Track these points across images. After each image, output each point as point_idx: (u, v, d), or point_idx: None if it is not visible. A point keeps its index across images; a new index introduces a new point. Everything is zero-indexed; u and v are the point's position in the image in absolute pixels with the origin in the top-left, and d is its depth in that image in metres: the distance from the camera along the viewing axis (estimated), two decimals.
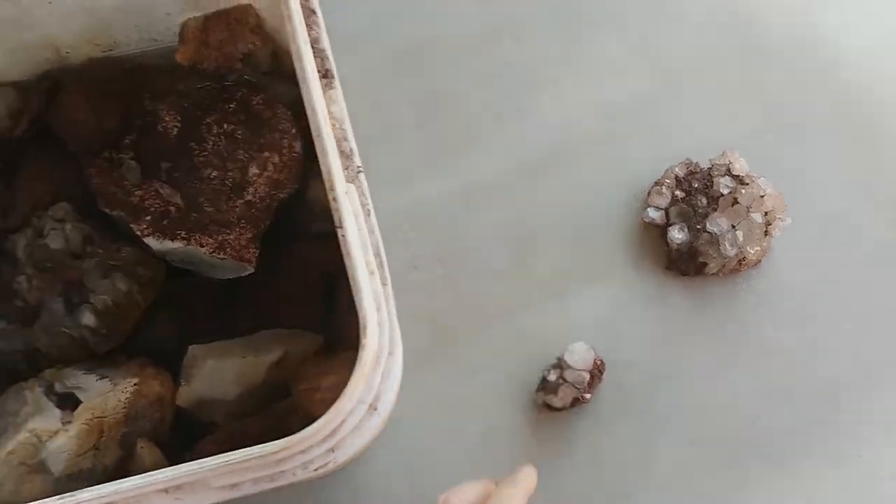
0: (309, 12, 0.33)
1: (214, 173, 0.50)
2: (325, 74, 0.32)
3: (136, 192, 0.49)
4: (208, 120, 0.51)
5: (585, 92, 0.62)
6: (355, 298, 0.29)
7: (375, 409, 0.28)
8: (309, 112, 0.31)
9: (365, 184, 0.31)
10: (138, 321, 0.48)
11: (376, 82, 0.62)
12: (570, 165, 0.61)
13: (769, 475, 0.54)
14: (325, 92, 0.32)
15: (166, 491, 0.27)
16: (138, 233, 0.48)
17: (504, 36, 0.64)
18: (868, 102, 0.63)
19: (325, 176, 0.30)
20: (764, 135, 0.61)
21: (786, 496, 0.54)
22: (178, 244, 0.48)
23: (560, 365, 0.53)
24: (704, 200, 0.56)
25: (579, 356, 0.53)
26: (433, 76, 0.63)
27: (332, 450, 0.28)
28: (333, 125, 0.32)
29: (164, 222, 0.49)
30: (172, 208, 0.49)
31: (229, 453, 0.26)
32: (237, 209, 0.49)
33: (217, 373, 0.46)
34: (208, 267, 0.49)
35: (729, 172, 0.56)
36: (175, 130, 0.51)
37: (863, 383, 0.56)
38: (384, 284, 0.29)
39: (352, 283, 0.29)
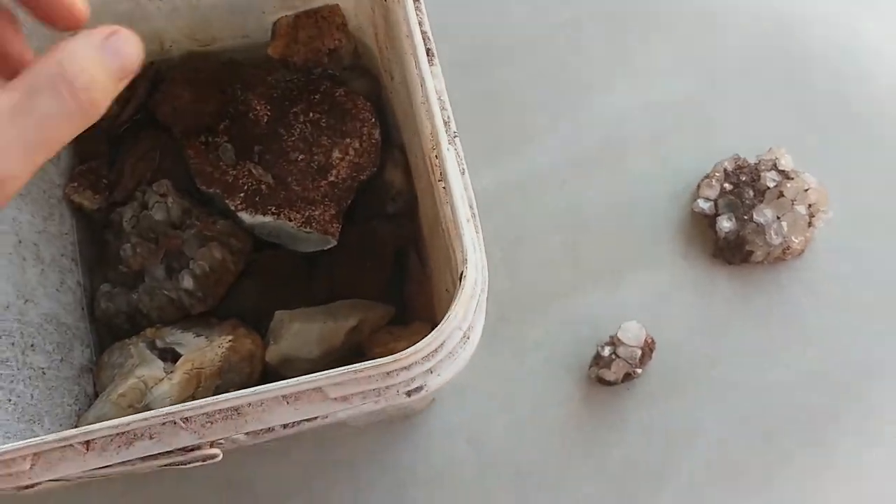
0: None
1: (301, 156, 0.55)
2: (428, 53, 0.37)
3: (231, 172, 0.55)
4: (295, 109, 0.56)
5: (637, 92, 0.67)
6: (455, 238, 0.33)
7: (468, 339, 0.32)
8: (417, 80, 0.36)
9: (460, 147, 0.35)
10: (229, 287, 0.53)
11: None
12: (621, 160, 0.65)
13: (807, 453, 0.57)
14: (430, 68, 0.37)
15: (287, 401, 0.32)
16: (233, 207, 0.53)
17: (559, 39, 0.68)
18: None
19: (428, 136, 0.35)
20: (807, 133, 0.65)
21: (821, 472, 0.57)
22: (268, 218, 0.53)
23: (613, 342, 0.57)
24: (751, 193, 0.60)
25: (632, 333, 0.57)
26: (492, 77, 0.68)
27: (430, 371, 0.32)
28: (439, 96, 0.36)
29: (256, 199, 0.54)
30: (264, 186, 0.54)
31: (348, 366, 0.31)
32: (322, 188, 0.54)
33: (302, 334, 0.51)
34: (294, 240, 0.54)
35: (775, 167, 0.60)
36: (265, 118, 0.56)
37: None
38: (477, 232, 0.33)
39: (451, 226, 0.33)
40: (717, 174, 0.61)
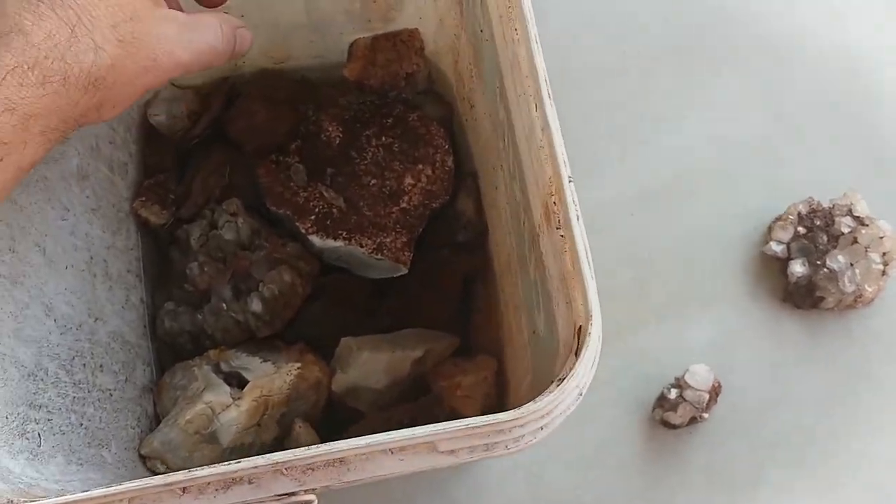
0: (534, 39, 0.36)
1: (373, 181, 0.54)
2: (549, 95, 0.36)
3: (302, 194, 0.54)
4: (367, 132, 0.56)
5: (706, 127, 0.66)
6: (576, 290, 0.32)
7: (581, 395, 0.31)
8: (537, 124, 0.35)
9: (575, 192, 0.34)
10: (298, 310, 0.52)
11: None
12: (690, 195, 0.64)
13: (868, 499, 0.56)
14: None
15: (392, 451, 0.31)
16: (303, 230, 0.52)
17: (631, 71, 0.67)
18: None
19: (547, 181, 0.34)
20: (881, 177, 0.63)
21: None
22: (339, 243, 0.52)
23: (680, 384, 0.56)
24: (825, 238, 0.58)
25: (700, 377, 0.56)
26: (560, 105, 0.66)
27: (541, 428, 0.31)
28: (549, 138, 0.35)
29: (328, 222, 0.53)
30: (335, 210, 0.53)
31: (468, 419, 0.30)
32: (393, 215, 0.53)
33: (371, 363, 0.50)
34: (363, 266, 0.53)
35: (850, 213, 0.59)
36: (337, 140, 0.55)
37: None
38: (593, 280, 0.32)
39: (570, 276, 0.32)
40: (790, 217, 0.59)
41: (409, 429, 0.30)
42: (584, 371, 0.30)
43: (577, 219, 0.33)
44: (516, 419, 0.29)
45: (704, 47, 0.69)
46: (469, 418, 0.30)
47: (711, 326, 0.60)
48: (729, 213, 0.63)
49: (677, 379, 0.56)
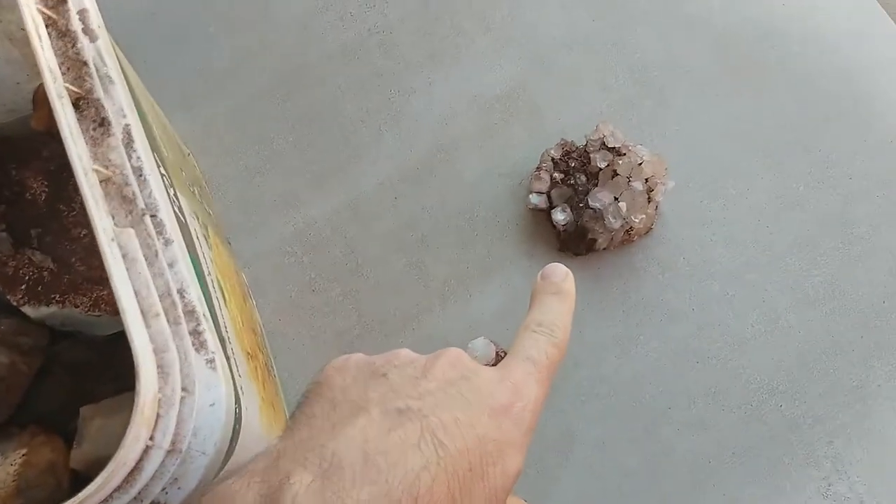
0: (81, 64, 0.33)
1: (84, 231, 0.50)
2: (102, 123, 0.32)
3: (11, 263, 0.50)
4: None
5: (459, 88, 0.62)
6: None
7: (181, 452, 0.28)
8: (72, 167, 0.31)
9: (151, 226, 0.31)
10: (27, 390, 0.48)
11: (250, 115, 0.62)
12: (453, 163, 0.61)
13: (687, 436, 0.54)
14: (103, 140, 0.33)
15: None
16: (14, 303, 0.48)
17: (370, 47, 0.64)
18: (739, 52, 0.63)
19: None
20: (639, 101, 0.61)
21: (707, 452, 0.54)
22: (53, 308, 0.48)
23: None
24: (584, 178, 0.56)
25: (481, 351, 0.52)
26: (306, 99, 0.63)
27: (139, 500, 0.28)
28: (113, 172, 0.32)
29: (38, 288, 0.49)
30: (45, 273, 0.49)
31: None
32: None
33: (106, 430, 0.46)
34: (88, 326, 0.50)
35: (604, 146, 0.56)
36: (44, 196, 0.51)
37: (771, 330, 0.56)
38: (176, 324, 0.29)
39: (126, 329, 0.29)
40: (544, 165, 0.57)
41: None
42: (142, 434, 0.27)
43: (157, 255, 0.30)
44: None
45: (444, 8, 0.65)
46: None
47: (494, 295, 0.57)
48: (495, 173, 0.60)
49: None
